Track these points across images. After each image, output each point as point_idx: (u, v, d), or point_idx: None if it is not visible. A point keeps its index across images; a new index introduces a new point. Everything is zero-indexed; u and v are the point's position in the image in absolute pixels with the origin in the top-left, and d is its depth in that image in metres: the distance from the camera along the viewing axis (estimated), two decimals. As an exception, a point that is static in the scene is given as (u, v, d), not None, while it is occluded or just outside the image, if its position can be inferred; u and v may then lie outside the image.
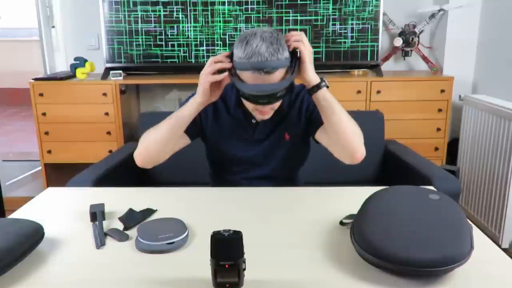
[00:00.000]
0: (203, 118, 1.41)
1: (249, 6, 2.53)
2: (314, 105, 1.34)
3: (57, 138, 2.61)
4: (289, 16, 2.55)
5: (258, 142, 1.42)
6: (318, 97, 1.21)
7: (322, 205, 1.21)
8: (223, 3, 2.53)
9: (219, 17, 2.56)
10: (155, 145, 1.27)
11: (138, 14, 2.56)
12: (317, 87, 1.19)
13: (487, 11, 2.66)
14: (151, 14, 2.56)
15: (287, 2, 2.53)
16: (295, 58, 1.18)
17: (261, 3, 2.53)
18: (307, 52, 1.17)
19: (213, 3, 2.54)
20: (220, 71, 1.19)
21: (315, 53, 2.60)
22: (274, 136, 1.41)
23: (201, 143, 1.48)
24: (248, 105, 1.29)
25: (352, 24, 2.56)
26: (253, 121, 1.39)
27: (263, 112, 1.29)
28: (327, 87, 1.21)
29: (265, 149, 1.42)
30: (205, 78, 1.19)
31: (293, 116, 1.41)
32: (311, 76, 1.19)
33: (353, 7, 2.53)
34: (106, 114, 2.57)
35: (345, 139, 1.22)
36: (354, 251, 0.89)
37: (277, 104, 1.29)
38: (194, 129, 1.38)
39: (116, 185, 1.40)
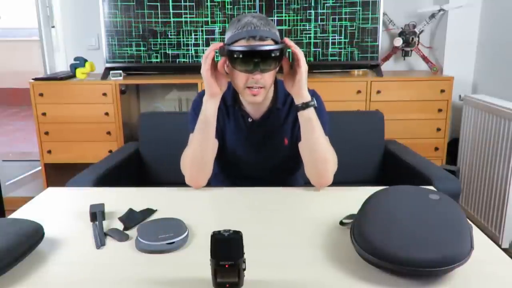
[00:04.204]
0: None
1: (250, 3, 2.53)
2: None
3: (57, 138, 2.61)
4: (289, 17, 2.55)
5: (256, 144, 1.43)
6: (304, 115, 1.27)
7: (322, 205, 1.21)
8: (224, 4, 2.54)
9: (219, 17, 2.56)
10: (197, 160, 1.32)
11: (138, 14, 2.56)
12: (307, 105, 1.25)
13: (487, 11, 2.67)
14: (151, 14, 2.56)
15: (287, 2, 2.53)
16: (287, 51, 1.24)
17: (262, 2, 2.53)
18: (303, 67, 1.23)
19: (213, 5, 2.54)
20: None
21: (315, 53, 2.60)
22: (273, 139, 1.43)
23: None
24: (240, 79, 1.27)
25: (352, 24, 2.56)
26: (250, 119, 1.41)
27: (255, 92, 1.28)
28: (315, 107, 1.27)
29: (264, 152, 1.44)
30: (203, 72, 1.24)
31: (291, 121, 1.42)
32: (304, 92, 1.26)
33: (353, 6, 2.54)
34: (106, 114, 2.57)
35: (317, 160, 1.29)
36: (354, 251, 0.89)
37: (267, 80, 1.28)
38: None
39: (116, 185, 1.40)
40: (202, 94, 1.45)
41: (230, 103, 1.42)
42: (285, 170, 1.50)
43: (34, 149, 2.74)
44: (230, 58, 1.23)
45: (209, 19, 2.56)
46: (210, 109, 1.28)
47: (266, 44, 1.22)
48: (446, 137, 2.61)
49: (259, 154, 1.44)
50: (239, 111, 1.41)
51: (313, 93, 1.44)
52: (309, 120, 1.27)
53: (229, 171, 1.50)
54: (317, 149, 1.29)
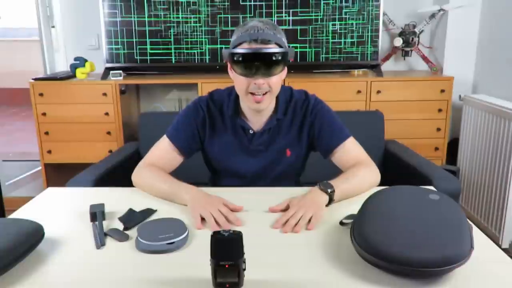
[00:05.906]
0: (201, 133, 1.39)
1: (250, 3, 2.53)
2: (318, 130, 1.35)
3: (57, 138, 2.61)
4: (289, 17, 2.55)
5: (258, 155, 1.39)
6: (337, 199, 1.17)
7: (322, 205, 1.21)
8: (224, 5, 2.53)
9: (219, 17, 2.56)
10: (147, 191, 1.29)
11: (138, 14, 2.56)
12: (331, 198, 1.16)
13: (487, 11, 2.66)
14: (151, 14, 2.56)
15: (287, 2, 2.53)
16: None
17: (262, 2, 2.53)
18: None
19: (213, 5, 2.54)
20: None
21: (315, 52, 2.60)
22: (274, 151, 1.38)
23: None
24: (242, 83, 1.23)
25: (352, 24, 2.56)
26: (251, 131, 1.37)
27: (258, 99, 1.24)
28: (331, 191, 1.16)
29: (265, 163, 1.39)
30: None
31: (294, 133, 1.38)
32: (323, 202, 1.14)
33: (353, 7, 2.54)
34: (106, 114, 2.57)
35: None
36: (354, 251, 0.89)
37: (272, 84, 1.23)
38: (193, 146, 1.39)
39: (116, 185, 1.40)
40: (198, 101, 1.39)
41: (231, 113, 1.36)
42: (286, 179, 1.44)
43: (34, 149, 2.74)
44: (232, 61, 1.20)
45: (209, 19, 2.56)
46: (180, 202, 1.19)
47: (269, 47, 1.18)
48: (446, 137, 2.60)
49: (260, 165, 1.39)
50: (239, 123, 1.36)
51: (315, 99, 1.39)
52: (341, 197, 1.18)
53: (227, 182, 1.44)
54: (364, 190, 1.24)
